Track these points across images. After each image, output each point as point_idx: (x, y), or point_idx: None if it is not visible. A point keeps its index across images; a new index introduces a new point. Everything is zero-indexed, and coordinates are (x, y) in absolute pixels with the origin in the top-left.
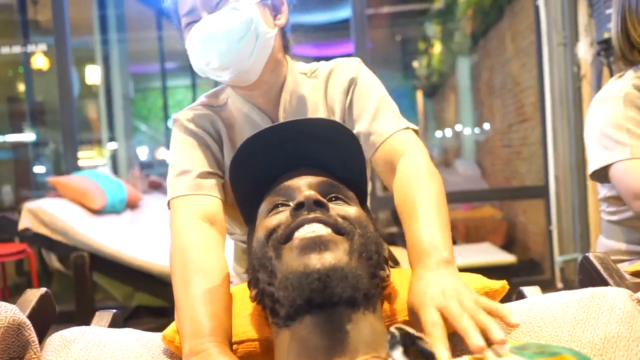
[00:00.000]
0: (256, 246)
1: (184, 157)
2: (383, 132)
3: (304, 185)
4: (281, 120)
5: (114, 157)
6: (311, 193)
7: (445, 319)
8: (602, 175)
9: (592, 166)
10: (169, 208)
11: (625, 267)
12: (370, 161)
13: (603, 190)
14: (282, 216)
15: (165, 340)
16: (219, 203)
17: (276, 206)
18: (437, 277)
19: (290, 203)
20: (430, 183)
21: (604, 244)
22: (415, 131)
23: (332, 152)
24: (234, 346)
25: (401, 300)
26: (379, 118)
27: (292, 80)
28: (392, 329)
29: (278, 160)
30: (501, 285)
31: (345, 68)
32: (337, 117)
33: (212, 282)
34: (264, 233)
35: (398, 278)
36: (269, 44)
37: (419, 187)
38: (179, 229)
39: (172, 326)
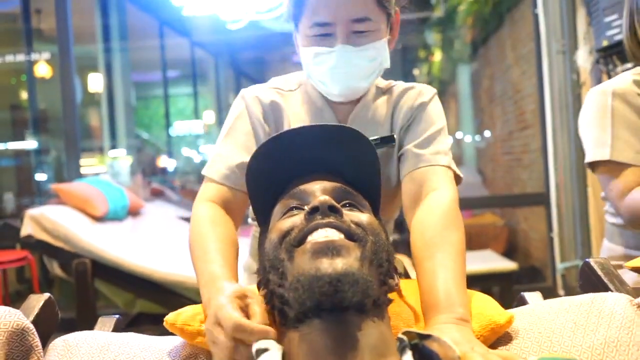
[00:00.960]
0: (269, 248)
1: (232, 137)
2: (426, 159)
3: (318, 190)
4: (348, 124)
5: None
6: (326, 198)
7: None
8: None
9: (586, 158)
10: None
11: (625, 263)
12: (401, 179)
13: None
14: (296, 219)
15: (167, 324)
16: (242, 197)
17: (290, 209)
18: (451, 330)
19: (305, 207)
20: (454, 231)
21: (607, 247)
22: (457, 178)
23: (348, 159)
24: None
25: (409, 316)
26: (431, 145)
27: (370, 92)
28: (400, 334)
29: (294, 163)
30: (507, 319)
31: (421, 92)
32: (396, 132)
33: (227, 248)
34: (278, 235)
35: (408, 290)
36: (381, 73)
37: (441, 233)
38: (197, 209)
39: (176, 312)
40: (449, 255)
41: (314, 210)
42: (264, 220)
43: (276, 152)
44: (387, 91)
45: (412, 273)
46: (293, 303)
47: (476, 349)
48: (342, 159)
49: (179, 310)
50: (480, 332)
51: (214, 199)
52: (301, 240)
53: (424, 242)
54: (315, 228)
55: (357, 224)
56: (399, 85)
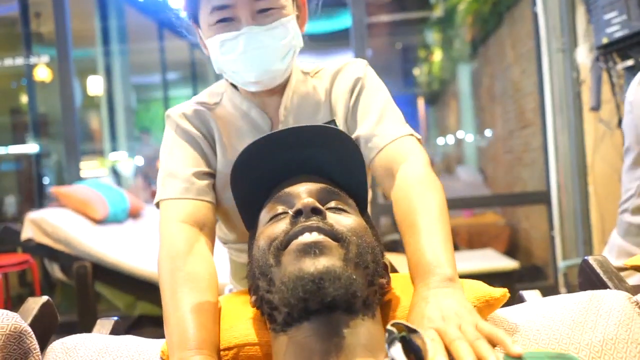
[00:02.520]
0: (257, 254)
1: (175, 156)
2: (385, 136)
3: (303, 192)
4: (280, 118)
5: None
6: (309, 201)
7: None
8: None
9: None
10: (158, 208)
11: (625, 261)
12: (369, 166)
13: (632, 189)
14: (282, 224)
15: (164, 355)
16: (209, 207)
17: (277, 215)
18: (439, 297)
19: (289, 210)
20: (432, 194)
21: (618, 244)
22: (418, 140)
23: (332, 159)
24: (234, 349)
25: (402, 307)
26: (383, 122)
27: (295, 79)
28: (389, 326)
29: (279, 166)
30: (502, 293)
31: (352, 68)
32: (339, 117)
33: (200, 291)
34: (266, 241)
35: (398, 283)
36: (296, 55)
37: (419, 199)
38: (167, 234)
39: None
40: (430, 220)
41: (298, 213)
42: (251, 225)
43: (260, 155)
44: (316, 75)
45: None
46: (280, 305)
47: (464, 327)
48: (327, 159)
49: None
50: (475, 304)
51: (183, 219)
52: (287, 244)
53: (403, 212)
54: (301, 232)
55: (341, 226)
56: (328, 68)
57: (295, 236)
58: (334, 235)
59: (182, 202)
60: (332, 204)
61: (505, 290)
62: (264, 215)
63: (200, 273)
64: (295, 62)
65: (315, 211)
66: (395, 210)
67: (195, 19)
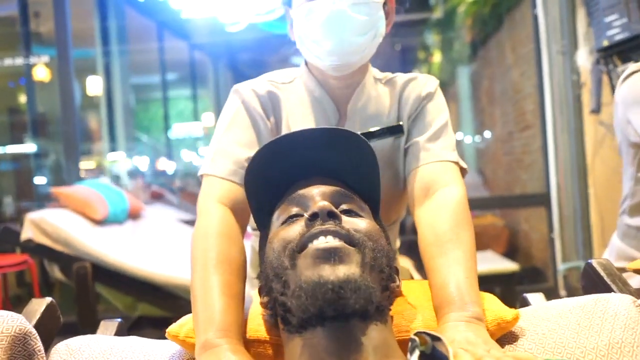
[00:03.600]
0: (272, 256)
1: (232, 133)
2: (435, 154)
3: (317, 195)
4: (348, 115)
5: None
6: (325, 204)
7: None
8: None
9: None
10: (201, 180)
11: (628, 264)
12: (407, 174)
13: (626, 189)
14: (297, 227)
15: (169, 335)
16: None
17: (291, 217)
18: (468, 329)
19: (305, 213)
20: (468, 227)
21: (617, 247)
22: (463, 170)
23: (347, 162)
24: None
25: (411, 314)
26: (437, 140)
27: (369, 81)
28: (413, 335)
29: (293, 167)
30: (513, 316)
31: (425, 82)
32: (404, 123)
33: (231, 274)
34: (280, 244)
35: (410, 291)
36: (377, 45)
37: (457, 229)
38: (204, 212)
39: (178, 322)
40: (462, 253)
41: (314, 216)
42: (263, 223)
43: (276, 155)
44: (387, 82)
45: (415, 276)
46: (296, 310)
47: (492, 352)
48: (341, 162)
49: (181, 322)
50: (487, 327)
51: (222, 200)
52: (303, 247)
53: (436, 239)
54: (317, 235)
55: (356, 230)
56: (401, 76)
57: (311, 239)
58: (351, 239)
59: (226, 184)
60: (346, 206)
61: (517, 312)
62: (277, 217)
63: (233, 256)
64: (370, 66)
65: (331, 215)
66: (426, 230)
67: None
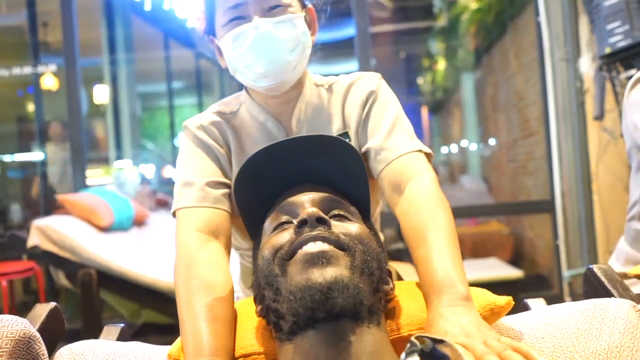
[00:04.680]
0: (262, 264)
1: (191, 166)
2: (395, 150)
3: (307, 202)
4: (294, 129)
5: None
6: (313, 210)
7: None
8: None
9: None
10: (174, 217)
11: (629, 270)
12: (377, 179)
13: (635, 195)
14: (287, 234)
15: (170, 358)
16: (225, 215)
17: (281, 224)
18: (457, 314)
19: (294, 220)
20: (442, 211)
21: (626, 252)
22: (428, 155)
23: (335, 168)
24: (240, 359)
25: (406, 314)
26: (393, 135)
27: (308, 91)
28: (413, 339)
29: (282, 175)
30: (507, 301)
31: (366, 82)
32: (352, 130)
33: (215, 298)
34: (270, 251)
35: (402, 290)
36: (307, 58)
37: (430, 216)
38: (183, 242)
39: (177, 344)
40: (441, 237)
41: (303, 222)
42: (255, 235)
43: (263, 165)
44: (329, 88)
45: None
46: (287, 314)
47: (490, 342)
48: (329, 167)
49: (179, 344)
50: (480, 312)
51: (198, 227)
52: (292, 254)
53: (413, 229)
54: (306, 242)
55: (346, 234)
56: (342, 81)
57: (301, 246)
58: (340, 244)
59: (198, 211)
60: (335, 212)
61: (510, 298)
62: (268, 225)
63: (215, 280)
64: (308, 74)
65: (320, 221)
66: (404, 225)
67: (212, 29)
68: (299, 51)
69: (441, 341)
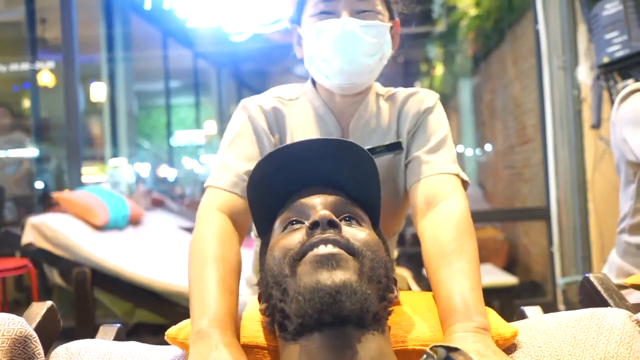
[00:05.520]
0: (272, 263)
1: (236, 147)
2: (436, 167)
3: (319, 204)
4: (350, 131)
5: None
6: (326, 213)
7: None
8: None
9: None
10: (205, 190)
11: (625, 279)
12: (408, 189)
13: (625, 208)
14: (298, 235)
15: (168, 338)
16: None
17: (291, 223)
18: (476, 339)
19: (305, 221)
20: (469, 239)
21: (616, 263)
22: (464, 182)
23: (348, 173)
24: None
25: (413, 328)
26: (438, 153)
27: (372, 98)
28: (428, 349)
29: (295, 176)
30: (512, 333)
31: (424, 97)
32: (404, 139)
33: (226, 272)
34: (281, 252)
35: (410, 302)
36: (382, 67)
37: (460, 240)
38: (203, 218)
39: (177, 325)
40: (465, 264)
41: (315, 225)
42: (264, 231)
43: (278, 165)
44: (389, 98)
45: (413, 287)
46: (294, 315)
47: None
48: (342, 172)
49: (181, 325)
50: None
51: (221, 208)
52: (303, 255)
53: (439, 251)
54: (317, 244)
55: (356, 240)
56: (401, 92)
57: (311, 248)
58: (350, 248)
59: (227, 195)
60: (346, 216)
61: (516, 330)
62: (279, 225)
63: (229, 256)
64: (374, 84)
65: (331, 224)
66: (430, 242)
67: (299, 17)
68: (377, 58)
69: (455, 349)
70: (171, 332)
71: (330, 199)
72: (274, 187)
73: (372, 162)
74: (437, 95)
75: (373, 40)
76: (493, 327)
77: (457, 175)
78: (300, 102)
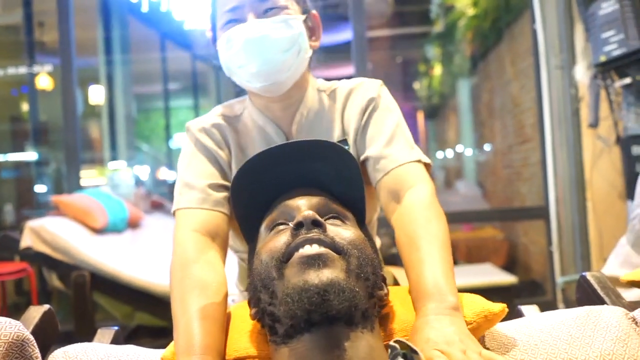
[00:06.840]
0: (259, 267)
1: (192, 168)
2: (394, 160)
3: (303, 205)
4: (294, 134)
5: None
6: (309, 213)
7: None
8: None
9: None
10: (174, 217)
11: (622, 276)
12: (375, 187)
13: None
14: (283, 237)
15: None
16: (223, 218)
17: (276, 225)
18: (443, 323)
19: (290, 223)
20: (437, 222)
21: (627, 252)
22: (427, 165)
23: (331, 173)
24: None
25: (399, 319)
26: (392, 144)
27: (310, 96)
28: (392, 342)
29: (278, 179)
30: (501, 308)
31: (366, 88)
32: (350, 137)
33: (208, 298)
34: (268, 255)
35: (396, 296)
36: (305, 61)
37: (426, 225)
38: (180, 242)
39: (171, 347)
40: (434, 246)
41: (299, 225)
42: (251, 238)
43: (260, 169)
44: (331, 94)
45: (402, 283)
46: (284, 317)
47: (468, 353)
48: (325, 172)
49: (173, 348)
50: (474, 319)
51: (195, 227)
52: (289, 257)
53: (407, 236)
54: (302, 244)
55: (341, 239)
56: (343, 87)
57: (297, 248)
58: (335, 247)
59: (197, 212)
60: (331, 215)
61: (504, 305)
62: (264, 228)
63: (209, 280)
64: (311, 79)
65: (315, 223)
66: (399, 233)
67: (214, 33)
68: (294, 52)
69: (416, 352)
70: (166, 355)
71: (314, 199)
72: (259, 191)
73: (354, 161)
74: (379, 82)
75: (283, 35)
76: (481, 304)
77: (419, 160)
78: (244, 117)
